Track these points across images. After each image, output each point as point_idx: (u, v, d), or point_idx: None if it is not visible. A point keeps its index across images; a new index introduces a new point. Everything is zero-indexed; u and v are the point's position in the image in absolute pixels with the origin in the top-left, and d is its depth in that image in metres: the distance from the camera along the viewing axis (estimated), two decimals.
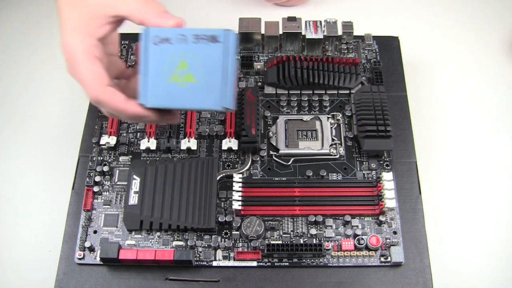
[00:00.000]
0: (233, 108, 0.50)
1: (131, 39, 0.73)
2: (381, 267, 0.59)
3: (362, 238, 0.59)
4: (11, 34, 0.80)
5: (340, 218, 0.61)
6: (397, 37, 0.73)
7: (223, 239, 0.60)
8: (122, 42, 0.73)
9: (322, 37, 0.70)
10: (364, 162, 0.64)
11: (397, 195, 0.62)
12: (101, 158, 0.65)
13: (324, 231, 0.60)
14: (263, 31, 0.71)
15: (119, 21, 0.53)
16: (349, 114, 0.67)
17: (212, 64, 0.49)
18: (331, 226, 0.60)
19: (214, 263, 0.59)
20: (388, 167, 0.64)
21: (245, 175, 0.64)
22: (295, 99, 0.68)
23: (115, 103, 0.51)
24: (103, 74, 0.51)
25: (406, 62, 0.72)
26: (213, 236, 0.60)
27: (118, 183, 0.64)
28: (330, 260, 0.59)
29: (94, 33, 0.52)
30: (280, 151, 0.65)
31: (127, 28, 0.55)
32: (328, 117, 0.67)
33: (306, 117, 0.67)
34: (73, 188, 0.63)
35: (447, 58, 0.77)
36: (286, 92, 0.68)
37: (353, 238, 0.60)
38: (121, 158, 0.65)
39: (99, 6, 0.52)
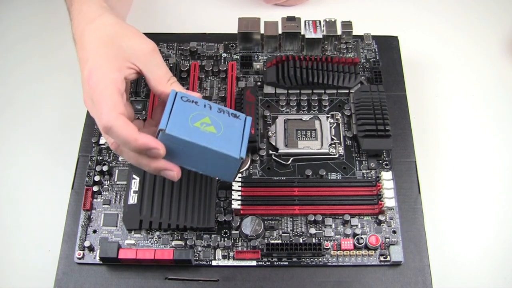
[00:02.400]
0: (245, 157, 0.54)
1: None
2: (381, 267, 0.59)
3: (362, 238, 0.59)
4: (11, 34, 0.80)
5: (340, 217, 0.61)
6: (396, 37, 0.74)
7: (222, 239, 0.60)
8: None
9: (321, 36, 0.70)
10: (364, 162, 0.64)
11: (396, 194, 0.62)
12: (101, 158, 0.65)
13: (324, 231, 0.60)
14: (262, 31, 0.71)
15: (138, 73, 0.55)
16: (349, 114, 0.67)
17: (233, 130, 0.54)
18: (330, 225, 0.60)
19: (214, 263, 0.59)
20: (388, 167, 0.64)
21: (244, 175, 0.64)
22: (295, 98, 0.68)
23: (126, 130, 0.51)
24: (121, 104, 0.51)
25: (406, 62, 0.72)
26: (212, 236, 0.60)
27: (118, 182, 0.64)
28: (330, 259, 0.59)
29: (123, 70, 0.53)
30: (280, 151, 0.65)
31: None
32: (328, 117, 0.67)
33: (305, 117, 0.67)
34: (72, 188, 0.63)
35: (447, 58, 0.77)
36: (286, 91, 0.68)
37: (352, 237, 0.60)
38: (121, 158, 0.65)
39: (129, 52, 0.54)
